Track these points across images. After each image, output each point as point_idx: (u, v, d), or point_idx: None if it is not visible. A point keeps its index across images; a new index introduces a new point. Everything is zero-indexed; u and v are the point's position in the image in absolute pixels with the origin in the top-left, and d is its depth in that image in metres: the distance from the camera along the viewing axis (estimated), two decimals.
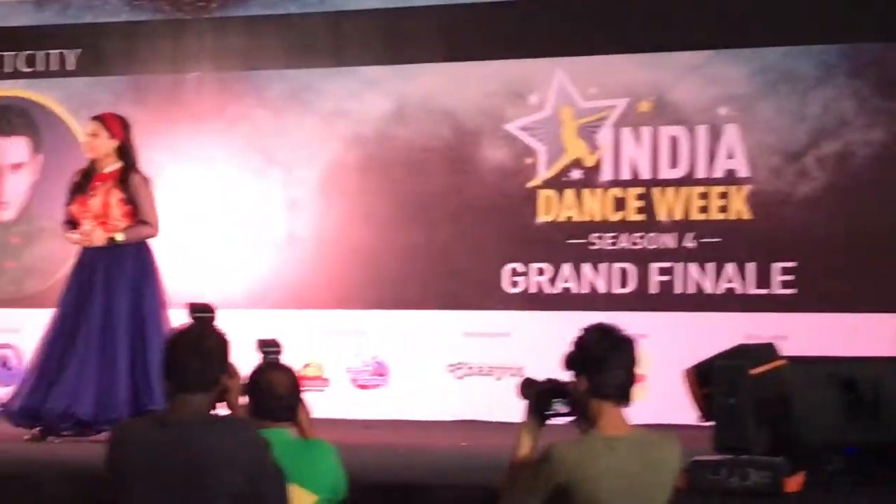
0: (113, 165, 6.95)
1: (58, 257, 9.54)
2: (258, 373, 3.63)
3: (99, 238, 6.79)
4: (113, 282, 6.78)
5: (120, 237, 6.80)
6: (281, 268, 9.32)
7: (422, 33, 9.15)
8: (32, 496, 4.93)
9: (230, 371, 3.39)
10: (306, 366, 8.87)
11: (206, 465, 3.04)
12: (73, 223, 7.01)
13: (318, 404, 3.95)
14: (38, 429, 6.57)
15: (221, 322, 3.51)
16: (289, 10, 9.41)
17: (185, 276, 9.30)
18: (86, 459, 5.42)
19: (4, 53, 9.87)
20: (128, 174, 6.92)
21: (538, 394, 3.47)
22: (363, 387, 9.08)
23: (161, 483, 3.04)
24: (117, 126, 7.04)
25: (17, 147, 9.86)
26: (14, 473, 5.14)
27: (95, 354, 6.64)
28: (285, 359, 3.88)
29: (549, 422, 3.48)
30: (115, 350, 6.65)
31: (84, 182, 6.96)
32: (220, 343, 3.27)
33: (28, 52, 9.85)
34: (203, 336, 3.26)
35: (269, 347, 3.81)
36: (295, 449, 3.50)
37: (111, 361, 6.63)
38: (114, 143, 6.95)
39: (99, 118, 7.13)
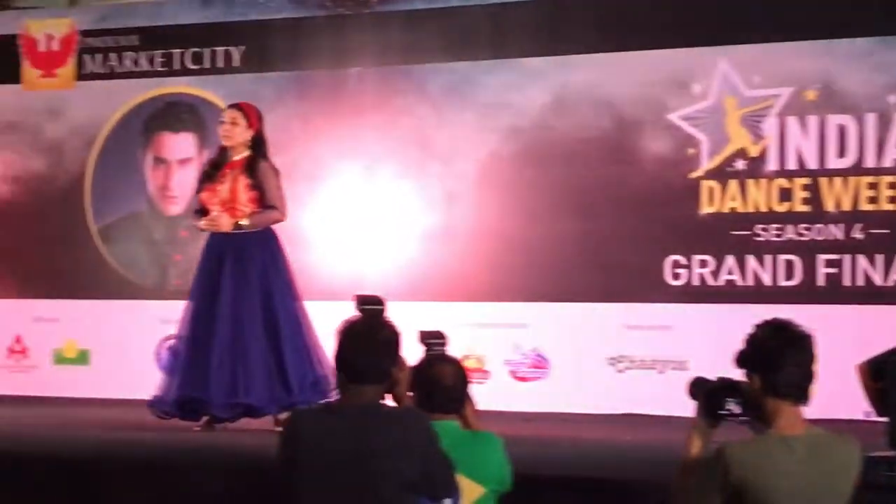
0: (242, 153, 6.96)
1: None
2: (425, 365, 3.65)
3: (225, 224, 6.79)
4: (241, 268, 6.79)
5: (245, 222, 6.80)
6: (440, 260, 9.38)
7: (582, 23, 9.11)
8: (192, 485, 5.01)
9: (399, 363, 3.41)
10: (466, 358, 8.89)
11: (379, 454, 3.09)
12: (203, 212, 7.04)
13: (478, 396, 3.94)
14: (203, 419, 6.62)
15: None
16: (450, 2, 9.46)
17: (346, 268, 9.48)
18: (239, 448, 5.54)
19: (173, 51, 10.13)
20: (256, 161, 6.93)
21: (709, 393, 3.37)
22: (523, 379, 9.09)
23: (334, 471, 3.09)
24: (255, 116, 7.09)
25: (184, 143, 10.12)
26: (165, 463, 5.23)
27: (228, 342, 6.64)
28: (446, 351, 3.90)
29: (721, 422, 3.36)
30: (245, 338, 6.64)
31: (213, 171, 7.01)
32: (392, 335, 3.31)
33: (195, 49, 10.09)
34: (375, 328, 3.30)
35: (433, 339, 3.82)
36: (463, 440, 3.52)
37: (243, 349, 6.63)
38: (249, 133, 6.99)
39: (238, 106, 7.18)
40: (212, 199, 6.87)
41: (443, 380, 3.59)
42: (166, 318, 9.96)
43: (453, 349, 4.09)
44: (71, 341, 10.17)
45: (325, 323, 9.34)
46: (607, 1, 9.09)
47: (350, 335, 3.30)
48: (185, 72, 10.13)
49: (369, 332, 3.30)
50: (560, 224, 9.06)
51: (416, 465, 3.12)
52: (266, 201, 6.86)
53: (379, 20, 9.64)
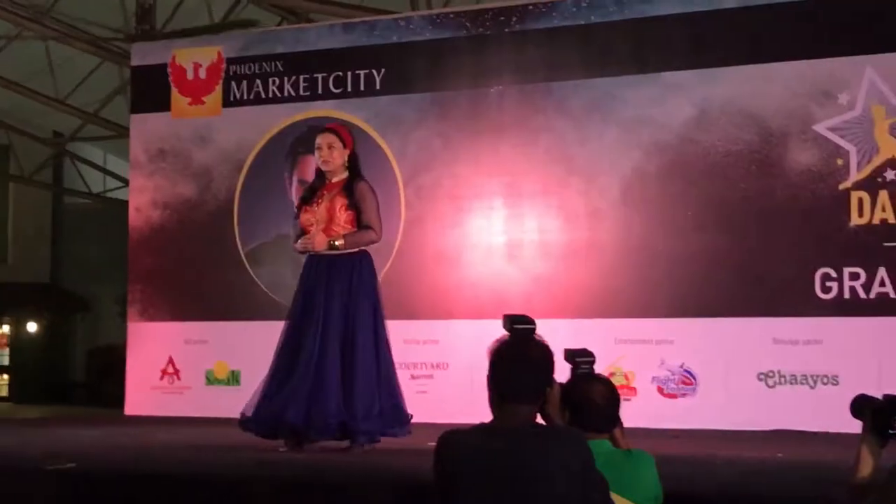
0: (341, 175, 6.85)
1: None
2: (575, 384, 3.64)
3: (320, 243, 6.64)
4: (331, 289, 6.66)
5: (339, 242, 6.64)
6: (584, 277, 9.39)
7: (724, 35, 9.07)
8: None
9: (552, 382, 3.42)
10: (611, 375, 8.86)
11: (537, 474, 3.10)
12: (303, 235, 6.88)
13: (625, 414, 3.93)
14: (286, 441, 6.59)
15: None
16: (589, 19, 9.50)
17: (490, 286, 9.55)
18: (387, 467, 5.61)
19: (316, 75, 10.32)
20: (354, 182, 6.81)
21: (875, 412, 3.26)
22: (670, 396, 9.03)
23: (491, 491, 3.11)
24: (348, 136, 6.98)
25: None
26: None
27: (311, 364, 6.56)
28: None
29: (889, 441, 3.22)
30: (325, 360, 6.53)
31: (310, 194, 6.89)
32: (545, 353, 3.32)
33: (337, 73, 10.27)
34: (528, 346, 3.31)
35: (581, 357, 3.80)
36: (616, 459, 3.52)
37: (321, 372, 6.52)
38: (346, 153, 6.84)
39: (331, 129, 7.05)
40: (310, 220, 6.75)
41: (595, 398, 3.59)
42: None
43: (599, 366, 4.10)
44: (221, 362, 10.42)
45: (471, 341, 9.50)
46: (749, 12, 9.01)
47: (503, 354, 3.31)
48: (328, 95, 10.33)
49: (522, 350, 3.31)
50: (706, 238, 9.01)
51: (576, 486, 3.12)
52: (362, 222, 6.74)
53: (518, 38, 9.71)
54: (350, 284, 6.70)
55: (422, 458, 6.31)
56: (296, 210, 7.01)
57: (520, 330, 3.44)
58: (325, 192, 6.81)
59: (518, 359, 3.29)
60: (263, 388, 6.69)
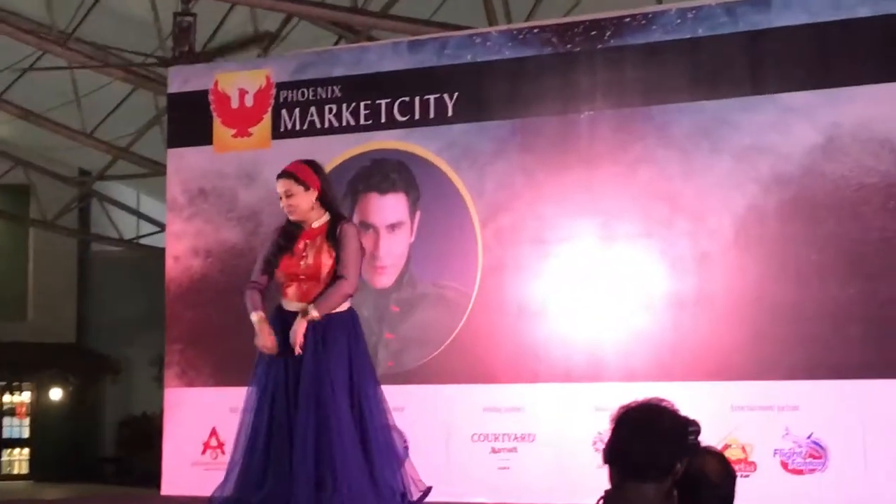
0: (319, 220, 6.91)
1: (441, 326, 9.97)
2: (689, 459, 3.61)
3: (301, 328, 6.71)
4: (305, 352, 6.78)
5: (313, 313, 6.71)
6: (690, 332, 9.32)
7: (855, 50, 8.99)
8: None
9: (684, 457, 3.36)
10: (726, 447, 8.81)
11: None
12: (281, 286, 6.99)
13: (742, 492, 3.89)
14: None
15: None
16: (696, 32, 9.46)
17: (582, 344, 9.52)
18: None
19: (380, 101, 10.38)
20: (336, 224, 6.87)
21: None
22: (796, 472, 8.92)
23: None
24: (308, 174, 6.96)
25: (394, 205, 10.34)
26: None
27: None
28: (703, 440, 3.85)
29: None
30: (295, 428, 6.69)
31: (287, 242, 6.93)
32: (678, 424, 3.29)
33: (403, 98, 10.32)
34: (660, 415, 3.27)
35: (690, 426, 3.78)
36: None
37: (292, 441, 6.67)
38: (313, 195, 6.87)
39: (285, 173, 7.01)
40: (295, 270, 6.82)
41: (709, 476, 3.57)
42: None
43: (711, 437, 4.05)
44: None
45: (560, 408, 9.46)
46: (887, 21, 8.93)
47: (627, 423, 3.28)
48: (392, 124, 10.38)
49: (649, 418, 3.28)
50: (835, 287, 8.91)
51: None
52: (336, 271, 6.79)
53: (613, 56, 9.71)
54: (317, 344, 6.77)
55: None
56: (269, 258, 7.00)
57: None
58: (305, 241, 6.90)
59: (645, 428, 3.25)
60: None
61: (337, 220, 6.92)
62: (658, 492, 3.20)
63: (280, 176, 7.00)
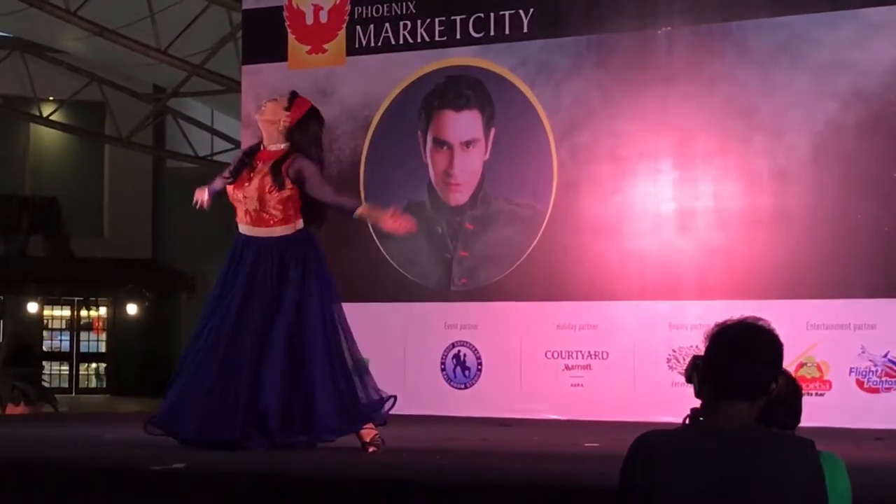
0: (277, 146, 6.85)
1: (515, 243, 10.05)
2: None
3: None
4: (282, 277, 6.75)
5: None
6: (768, 250, 9.34)
7: None
8: None
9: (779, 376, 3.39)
10: (801, 365, 8.87)
11: (757, 485, 3.11)
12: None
13: (819, 411, 3.95)
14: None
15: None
16: None
17: (658, 261, 9.56)
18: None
19: (455, 17, 10.41)
20: (287, 156, 6.76)
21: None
22: (872, 390, 8.96)
23: (701, 502, 3.14)
24: (302, 105, 6.94)
25: (469, 122, 10.41)
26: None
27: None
28: None
29: None
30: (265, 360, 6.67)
31: (247, 158, 6.96)
32: (775, 343, 3.31)
33: (478, 14, 10.34)
34: (758, 333, 3.30)
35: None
36: None
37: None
38: (285, 117, 6.81)
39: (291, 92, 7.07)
40: (238, 198, 6.82)
41: (777, 392, 3.60)
42: (451, 321, 10.33)
43: (788, 355, 4.09)
44: None
45: (635, 326, 9.54)
46: None
47: (725, 341, 3.31)
48: (467, 41, 10.42)
49: (750, 337, 3.31)
50: None
51: (797, 501, 3.14)
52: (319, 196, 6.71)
53: None
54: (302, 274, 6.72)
55: (580, 461, 6.39)
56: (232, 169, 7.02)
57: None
58: (257, 163, 6.84)
59: (743, 347, 3.29)
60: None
61: (290, 153, 6.78)
62: (752, 409, 3.22)
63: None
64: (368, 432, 6.53)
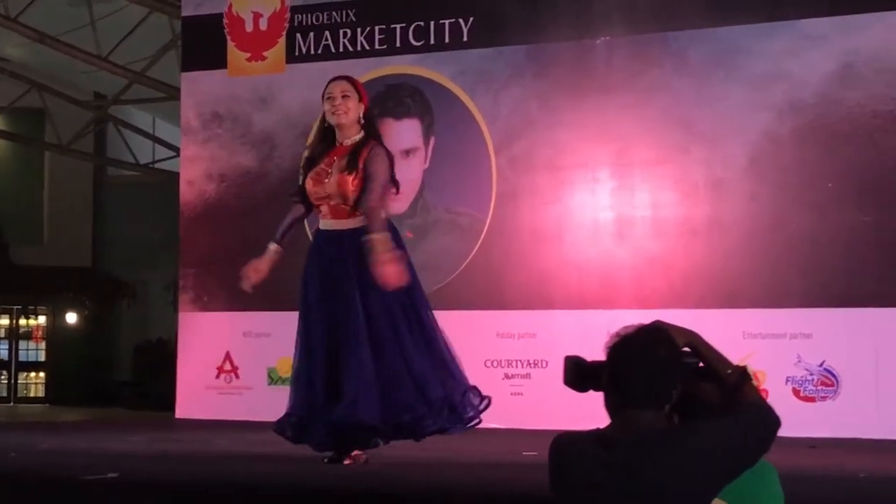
0: (354, 138, 6.63)
1: (454, 252, 10.03)
2: (687, 386, 3.65)
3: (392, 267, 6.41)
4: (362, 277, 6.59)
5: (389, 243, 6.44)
6: (704, 259, 9.38)
7: None
8: None
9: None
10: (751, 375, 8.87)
11: (663, 492, 3.13)
12: (306, 204, 6.79)
13: None
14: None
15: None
16: None
17: (596, 271, 9.58)
18: None
19: (395, 26, 10.40)
20: (364, 144, 6.59)
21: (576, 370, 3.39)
22: (808, 399, 9.01)
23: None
24: (362, 88, 6.78)
25: (408, 130, 10.39)
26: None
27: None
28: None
29: None
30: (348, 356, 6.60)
31: (315, 158, 6.74)
32: (675, 350, 3.33)
33: (418, 23, 10.34)
34: (657, 342, 3.31)
35: (688, 357, 3.82)
36: None
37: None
38: (361, 108, 6.63)
39: (343, 77, 6.84)
40: (319, 194, 6.56)
41: (706, 400, 3.60)
42: None
43: None
44: (286, 359, 10.50)
45: (573, 335, 9.54)
46: None
47: (625, 351, 3.32)
48: (407, 49, 10.41)
49: (648, 345, 3.33)
50: (849, 215, 8.96)
51: (718, 475, 3.19)
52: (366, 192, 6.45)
53: None
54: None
55: (519, 471, 6.38)
56: (301, 174, 6.85)
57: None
58: (334, 158, 6.63)
59: (644, 356, 3.31)
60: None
61: (367, 139, 6.62)
62: (656, 417, 3.26)
63: (337, 79, 6.81)
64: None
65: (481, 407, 6.71)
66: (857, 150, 9.00)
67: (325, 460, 6.42)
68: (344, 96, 6.59)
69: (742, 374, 3.46)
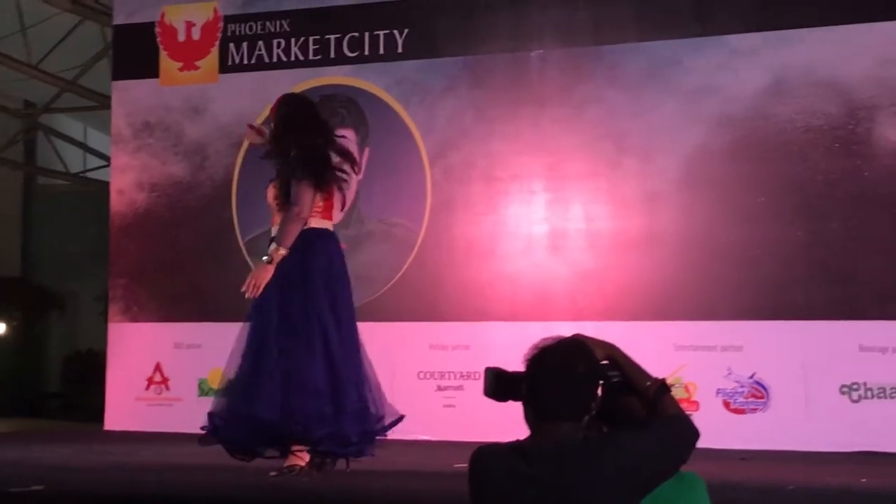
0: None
1: (388, 264, 10.02)
2: (608, 399, 3.66)
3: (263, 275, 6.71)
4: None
5: (281, 251, 6.64)
6: (638, 272, 9.42)
7: None
8: None
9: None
10: (671, 386, 8.90)
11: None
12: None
13: None
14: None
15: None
16: None
17: (529, 283, 9.59)
18: None
19: (329, 36, 10.38)
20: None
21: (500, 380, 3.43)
22: (738, 411, 9.06)
23: None
24: (273, 106, 7.00)
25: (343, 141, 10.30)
26: None
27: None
28: None
29: None
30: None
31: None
32: (592, 363, 3.35)
33: (353, 34, 10.32)
34: (573, 356, 3.33)
35: (609, 370, 3.83)
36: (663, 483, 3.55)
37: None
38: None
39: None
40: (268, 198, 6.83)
41: (633, 414, 3.61)
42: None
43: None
44: (217, 370, 10.44)
45: (507, 347, 9.54)
46: None
47: (542, 364, 3.33)
48: (342, 60, 10.39)
49: (564, 359, 3.34)
50: (781, 228, 9.03)
51: (636, 482, 3.20)
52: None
53: None
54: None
55: (449, 482, 6.38)
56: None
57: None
58: None
59: (561, 369, 3.32)
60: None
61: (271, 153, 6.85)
62: (574, 430, 3.27)
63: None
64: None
65: (387, 423, 6.76)
66: (788, 165, 9.07)
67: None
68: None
69: (661, 386, 3.49)
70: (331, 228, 6.83)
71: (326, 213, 6.77)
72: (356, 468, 6.75)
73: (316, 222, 6.69)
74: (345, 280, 6.89)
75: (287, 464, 6.45)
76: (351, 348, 6.75)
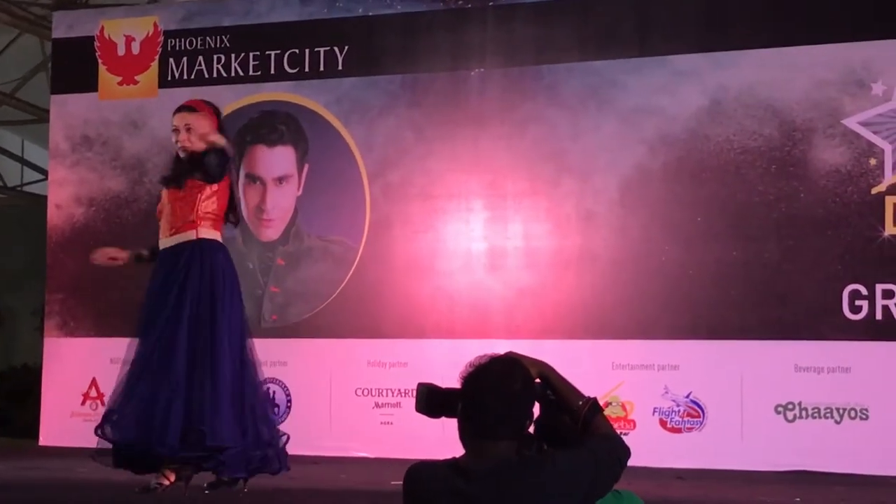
0: None
1: (327, 280, 9.97)
2: (546, 416, 3.65)
3: None
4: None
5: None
6: (576, 290, 9.42)
7: (741, 14, 9.14)
8: None
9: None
10: (606, 405, 8.93)
11: None
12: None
13: None
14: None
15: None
16: None
17: (467, 301, 9.58)
18: None
19: (269, 53, 10.33)
20: None
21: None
22: (675, 430, 9.08)
23: None
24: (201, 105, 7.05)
25: (282, 157, 10.31)
26: None
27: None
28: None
29: None
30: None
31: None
32: (529, 382, 3.34)
33: (293, 50, 10.28)
34: (510, 374, 3.31)
35: (544, 388, 3.82)
36: (601, 501, 3.54)
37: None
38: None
39: (188, 107, 7.05)
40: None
41: (570, 430, 3.60)
42: (261, 358, 10.12)
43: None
44: None
45: (445, 364, 9.52)
46: None
47: (478, 382, 3.31)
48: (281, 76, 10.34)
49: (501, 377, 3.32)
50: (717, 248, 9.06)
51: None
52: None
53: (504, 14, 9.76)
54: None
55: (387, 499, 6.35)
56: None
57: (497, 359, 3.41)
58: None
59: (497, 388, 3.30)
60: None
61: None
62: (511, 448, 3.26)
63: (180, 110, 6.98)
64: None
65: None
66: (725, 185, 9.10)
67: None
68: (188, 129, 6.75)
69: (593, 405, 3.48)
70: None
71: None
72: (293, 486, 6.70)
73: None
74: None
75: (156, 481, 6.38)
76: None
